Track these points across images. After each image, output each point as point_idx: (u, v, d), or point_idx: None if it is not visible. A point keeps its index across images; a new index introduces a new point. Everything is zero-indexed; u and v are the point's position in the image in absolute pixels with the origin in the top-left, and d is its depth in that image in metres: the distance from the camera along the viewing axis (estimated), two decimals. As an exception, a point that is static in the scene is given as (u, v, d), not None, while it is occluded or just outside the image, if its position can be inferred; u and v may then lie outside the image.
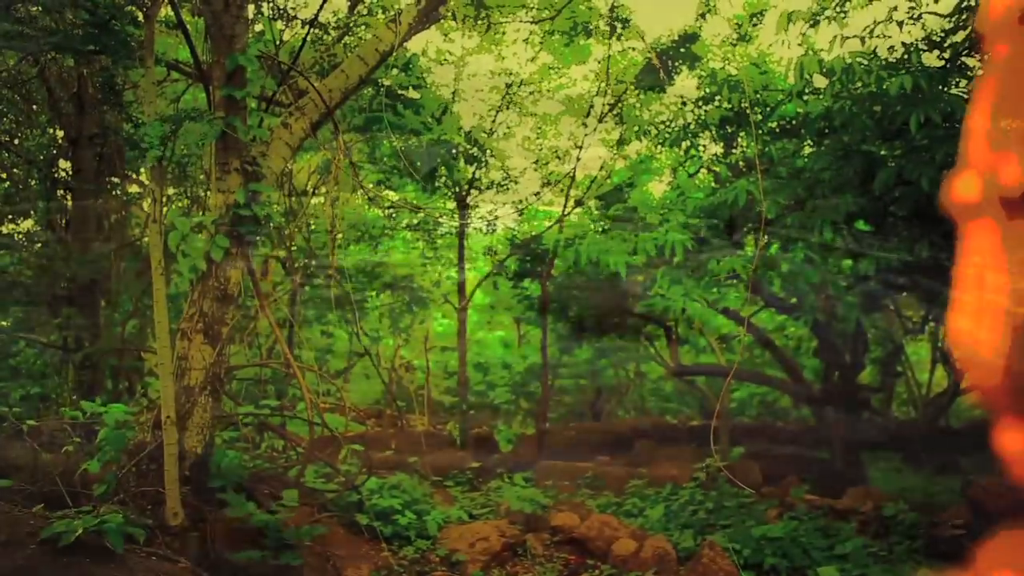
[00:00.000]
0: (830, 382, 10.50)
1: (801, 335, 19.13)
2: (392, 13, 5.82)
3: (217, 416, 4.84)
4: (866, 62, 5.74)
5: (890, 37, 6.03)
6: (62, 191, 10.69)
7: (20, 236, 12.16)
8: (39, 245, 11.41)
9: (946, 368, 16.92)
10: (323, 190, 11.53)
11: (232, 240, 4.56)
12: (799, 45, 6.54)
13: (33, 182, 11.05)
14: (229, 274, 4.63)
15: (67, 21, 5.28)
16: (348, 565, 4.91)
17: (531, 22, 10.34)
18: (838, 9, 5.92)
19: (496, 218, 14.67)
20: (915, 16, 5.94)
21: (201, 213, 10.07)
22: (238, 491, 4.77)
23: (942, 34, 6.09)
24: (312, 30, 5.96)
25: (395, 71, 7.23)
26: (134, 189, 11.24)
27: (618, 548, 6.01)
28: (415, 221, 14.53)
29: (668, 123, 8.77)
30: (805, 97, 7.44)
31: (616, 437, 13.92)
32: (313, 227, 10.60)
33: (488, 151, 11.83)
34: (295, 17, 5.99)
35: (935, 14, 6.03)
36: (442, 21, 8.06)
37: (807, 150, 8.49)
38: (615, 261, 6.38)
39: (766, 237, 6.67)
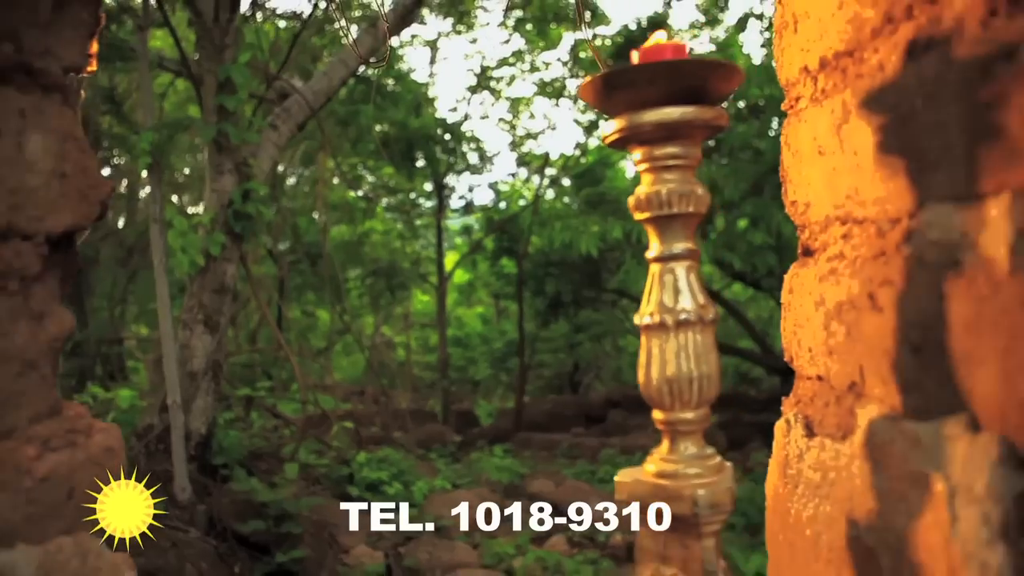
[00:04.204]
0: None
1: (772, 307, 19.74)
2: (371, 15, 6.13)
3: (218, 399, 5.22)
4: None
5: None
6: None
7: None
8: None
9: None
10: (306, 175, 11.81)
11: (228, 236, 4.91)
12: (767, 31, 6.90)
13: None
14: (225, 268, 4.98)
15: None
16: (341, 533, 5.35)
17: (503, 9, 10.60)
18: None
19: (473, 199, 15.04)
20: None
21: (200, 208, 10.33)
22: (239, 467, 5.19)
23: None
24: (298, 30, 6.25)
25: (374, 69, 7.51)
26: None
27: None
28: (393, 202, 14.83)
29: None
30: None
31: (591, 408, 14.43)
32: (297, 209, 10.88)
33: (463, 135, 12.12)
34: (281, 15, 6.25)
35: None
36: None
37: (772, 132, 8.87)
38: (586, 244, 6.81)
39: (725, 219, 7.10)
